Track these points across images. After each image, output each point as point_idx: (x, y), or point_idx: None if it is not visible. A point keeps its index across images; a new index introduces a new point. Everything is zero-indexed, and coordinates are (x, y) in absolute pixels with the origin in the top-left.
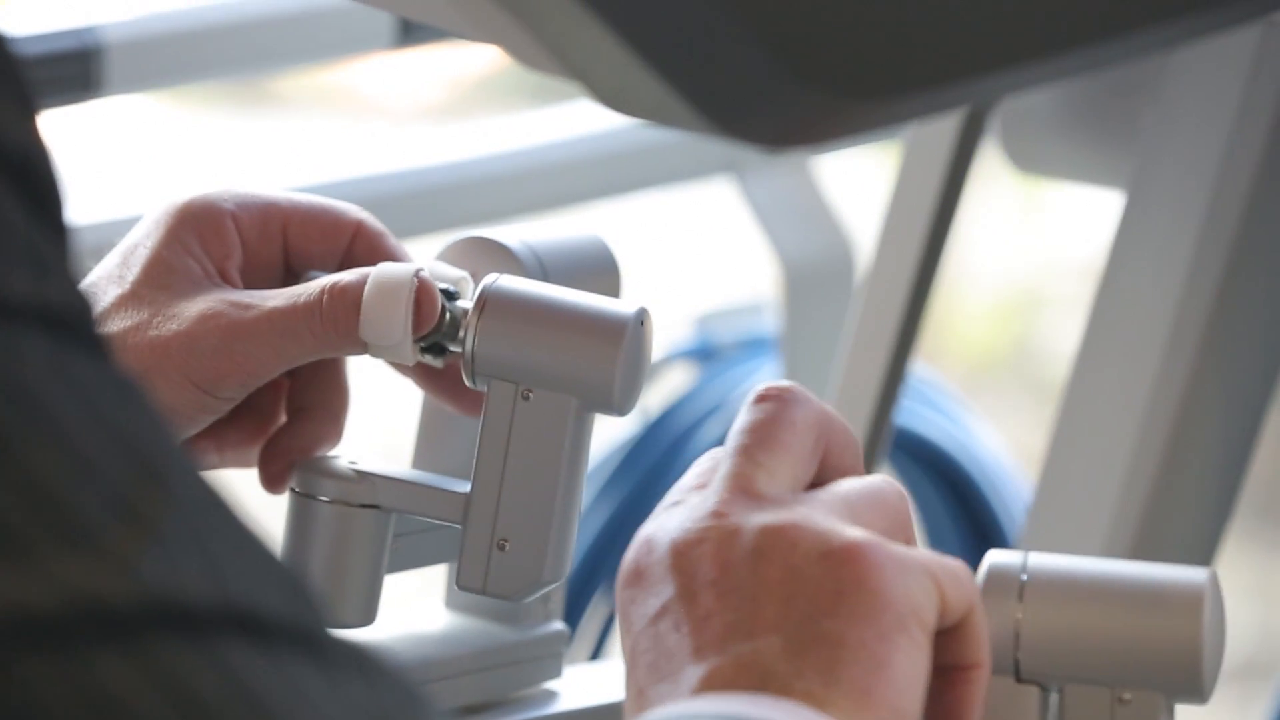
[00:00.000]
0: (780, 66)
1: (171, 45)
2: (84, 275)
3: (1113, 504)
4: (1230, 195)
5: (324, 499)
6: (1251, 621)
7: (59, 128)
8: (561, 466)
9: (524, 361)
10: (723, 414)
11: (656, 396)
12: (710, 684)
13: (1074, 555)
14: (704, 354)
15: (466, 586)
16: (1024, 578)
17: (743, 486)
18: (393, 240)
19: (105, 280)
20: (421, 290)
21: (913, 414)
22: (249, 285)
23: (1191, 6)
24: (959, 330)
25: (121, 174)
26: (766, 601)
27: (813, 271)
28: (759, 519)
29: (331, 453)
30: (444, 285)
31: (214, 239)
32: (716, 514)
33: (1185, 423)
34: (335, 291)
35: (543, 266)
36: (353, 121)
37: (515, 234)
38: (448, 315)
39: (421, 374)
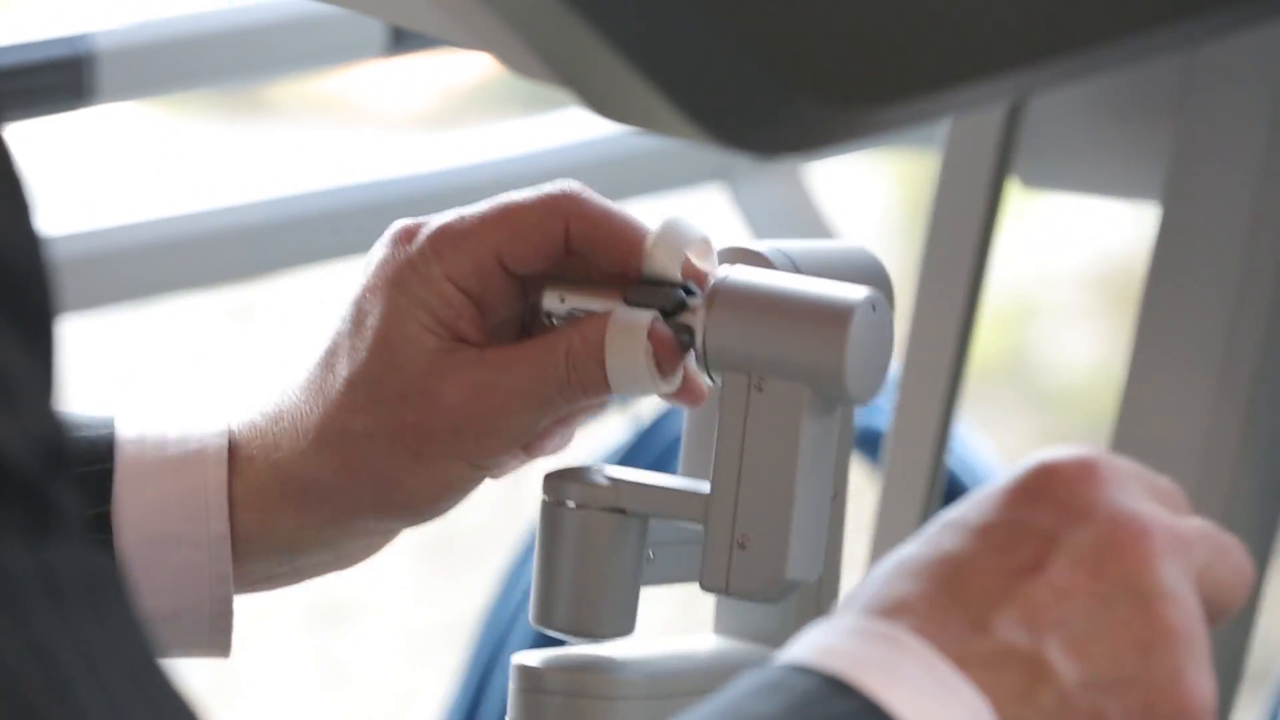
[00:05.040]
0: (772, 74)
1: (163, 53)
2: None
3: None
4: (1275, 198)
5: (571, 504)
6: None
7: (51, 136)
8: (799, 459)
9: (753, 351)
10: None
11: (649, 405)
12: None
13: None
14: None
15: (709, 588)
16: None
17: None
18: (606, 212)
19: (336, 353)
20: (656, 339)
21: None
22: (490, 325)
23: (1168, 15)
24: None
25: (113, 182)
26: None
27: None
28: None
29: (581, 463)
30: (679, 283)
31: (439, 305)
32: None
33: (1248, 438)
34: (577, 358)
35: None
36: (344, 129)
37: (772, 244)
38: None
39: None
